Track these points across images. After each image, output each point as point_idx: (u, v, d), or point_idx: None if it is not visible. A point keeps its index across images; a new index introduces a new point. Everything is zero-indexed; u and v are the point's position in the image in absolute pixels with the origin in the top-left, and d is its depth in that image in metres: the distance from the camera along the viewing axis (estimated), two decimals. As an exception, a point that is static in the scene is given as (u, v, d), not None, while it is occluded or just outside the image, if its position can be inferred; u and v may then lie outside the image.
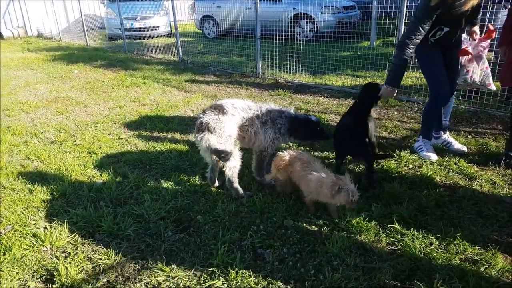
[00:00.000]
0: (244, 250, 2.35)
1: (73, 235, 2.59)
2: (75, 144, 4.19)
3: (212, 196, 2.99)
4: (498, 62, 4.33)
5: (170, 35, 13.51)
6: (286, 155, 2.81)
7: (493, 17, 4.56)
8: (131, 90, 6.55)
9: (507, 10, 4.34)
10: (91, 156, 3.85)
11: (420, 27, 3.03)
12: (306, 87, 6.36)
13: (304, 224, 2.62)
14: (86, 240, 2.54)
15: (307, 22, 9.39)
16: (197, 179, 3.26)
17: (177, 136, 4.35)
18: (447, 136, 3.77)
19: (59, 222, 2.72)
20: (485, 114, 4.53)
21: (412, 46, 3.09)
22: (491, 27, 3.47)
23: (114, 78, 7.50)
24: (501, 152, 3.51)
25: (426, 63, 3.42)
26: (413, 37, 3.06)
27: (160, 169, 3.51)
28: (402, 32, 4.96)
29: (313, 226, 2.60)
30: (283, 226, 2.61)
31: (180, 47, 9.02)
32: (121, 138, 4.29)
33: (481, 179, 3.13)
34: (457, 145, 3.69)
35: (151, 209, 2.81)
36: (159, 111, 5.28)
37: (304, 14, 9.31)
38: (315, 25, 9.26)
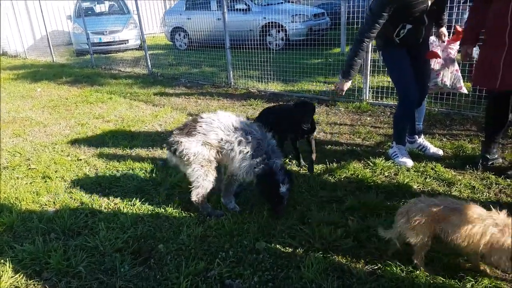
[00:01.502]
0: (210, 283, 2.10)
1: (17, 276, 2.28)
2: (29, 168, 3.84)
3: (176, 220, 2.73)
4: (468, 62, 4.29)
5: (140, 48, 13.19)
6: (425, 206, 2.01)
7: (460, 17, 4.54)
8: (96, 107, 6.22)
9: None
10: (45, 182, 3.52)
11: (375, 22, 2.97)
12: (278, 96, 6.20)
13: (278, 246, 2.41)
14: (32, 281, 2.23)
15: (278, 31, 9.30)
16: (161, 201, 3.00)
17: (142, 153, 4.07)
18: (422, 140, 3.65)
19: (2, 261, 2.39)
20: (458, 115, 4.47)
21: (368, 40, 3.05)
22: (458, 28, 3.40)
23: (78, 95, 7.13)
24: (477, 155, 3.41)
25: (391, 65, 3.33)
26: (369, 32, 3.01)
27: (120, 192, 3.22)
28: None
29: (287, 248, 2.39)
30: (255, 249, 2.38)
31: (149, 60, 8.76)
32: (80, 159, 3.97)
33: (460, 184, 3.00)
34: (432, 148, 3.58)
35: (106, 240, 2.52)
36: (123, 127, 4.98)
37: (274, 23, 9.22)
38: (286, 33, 9.18)
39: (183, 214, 2.80)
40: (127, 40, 13.29)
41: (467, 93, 3.74)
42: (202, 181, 2.67)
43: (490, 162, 3.24)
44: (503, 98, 3.01)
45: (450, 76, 3.44)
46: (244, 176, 2.69)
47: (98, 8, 14.78)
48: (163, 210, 2.85)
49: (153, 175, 3.44)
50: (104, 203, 3.05)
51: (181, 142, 2.62)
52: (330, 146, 3.93)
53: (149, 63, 8.76)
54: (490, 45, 2.90)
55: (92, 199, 3.11)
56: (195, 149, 2.61)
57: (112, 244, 2.48)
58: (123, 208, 2.92)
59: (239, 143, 2.62)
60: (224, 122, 2.66)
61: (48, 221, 2.82)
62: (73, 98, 6.92)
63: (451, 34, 3.50)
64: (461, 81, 3.50)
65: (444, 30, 3.39)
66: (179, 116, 5.39)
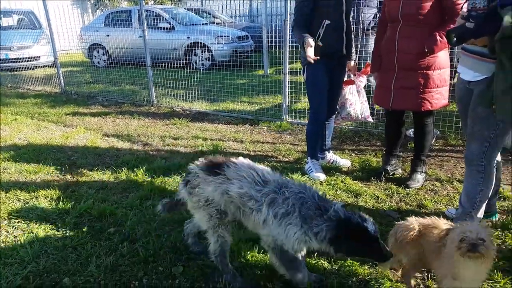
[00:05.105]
0: (120, 315, 1.98)
1: None
2: None
3: (85, 250, 2.53)
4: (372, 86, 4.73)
5: (53, 65, 12.27)
6: (414, 222, 1.93)
7: (364, 43, 5.00)
8: (-3, 129, 5.60)
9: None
10: None
11: (300, 7, 3.27)
12: (204, 115, 6.20)
13: (196, 268, 2.36)
14: None
15: (203, 51, 9.39)
16: (68, 230, 2.77)
17: (48, 178, 3.73)
18: (331, 155, 3.96)
19: None
20: (365, 132, 4.88)
21: (300, 23, 3.29)
22: (367, 63, 3.78)
23: (-24, 116, 6.37)
24: (380, 167, 3.74)
25: (310, 81, 3.49)
26: (298, 17, 3.30)
27: (21, 223, 2.90)
28: (287, 61, 5.24)
29: (206, 269, 2.35)
30: (171, 275, 2.30)
31: (62, 77, 8.21)
32: (-26, 189, 3.52)
33: (366, 195, 3.25)
34: (342, 161, 3.92)
35: (2, 278, 2.25)
36: (29, 151, 4.54)
37: (199, 43, 9.30)
38: (211, 54, 9.31)
39: (93, 243, 2.61)
40: (39, 56, 12.27)
41: (372, 121, 4.20)
42: (212, 236, 2.17)
43: (391, 173, 3.59)
44: (397, 115, 3.38)
45: (360, 106, 3.79)
46: (295, 248, 1.96)
47: (5, 21, 13.50)
48: (70, 241, 2.63)
49: (60, 203, 3.17)
50: (2, 237, 2.72)
51: (198, 175, 2.13)
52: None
53: (62, 81, 8.21)
54: (384, 68, 3.25)
55: (-13, 233, 2.76)
56: (210, 193, 2.09)
57: (9, 282, 2.22)
58: (24, 241, 2.64)
59: (271, 203, 1.94)
60: (254, 171, 2.06)
61: None
62: (-31, 120, 6.15)
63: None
64: (368, 110, 3.87)
65: (353, 63, 3.71)
66: (93, 137, 5.09)
